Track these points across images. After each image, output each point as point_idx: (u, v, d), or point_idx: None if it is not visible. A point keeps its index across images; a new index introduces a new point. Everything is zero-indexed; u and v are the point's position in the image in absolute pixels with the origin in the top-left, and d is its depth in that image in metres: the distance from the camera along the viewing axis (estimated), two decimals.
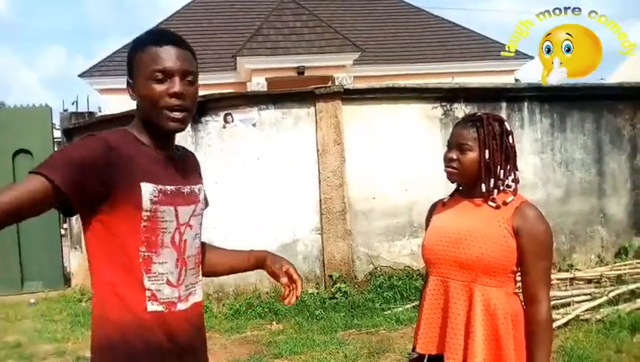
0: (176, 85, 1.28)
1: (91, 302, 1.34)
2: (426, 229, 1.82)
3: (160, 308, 1.29)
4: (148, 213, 1.28)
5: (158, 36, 1.33)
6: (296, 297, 1.50)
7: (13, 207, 1.13)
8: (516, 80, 11.72)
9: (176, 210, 1.33)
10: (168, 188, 1.32)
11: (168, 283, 1.32)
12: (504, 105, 5.79)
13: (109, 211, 1.25)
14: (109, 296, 1.27)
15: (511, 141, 1.67)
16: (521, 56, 12.03)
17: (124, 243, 1.27)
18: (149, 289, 1.28)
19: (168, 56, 1.29)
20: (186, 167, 1.43)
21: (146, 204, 1.27)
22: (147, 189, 1.28)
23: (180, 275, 1.34)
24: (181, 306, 1.34)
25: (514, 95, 5.91)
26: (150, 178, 1.29)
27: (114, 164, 1.23)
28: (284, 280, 1.49)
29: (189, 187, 1.39)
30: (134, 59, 1.32)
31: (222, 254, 1.58)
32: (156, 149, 1.35)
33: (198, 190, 1.43)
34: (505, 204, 1.62)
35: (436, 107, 5.65)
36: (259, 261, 1.58)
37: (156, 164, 1.33)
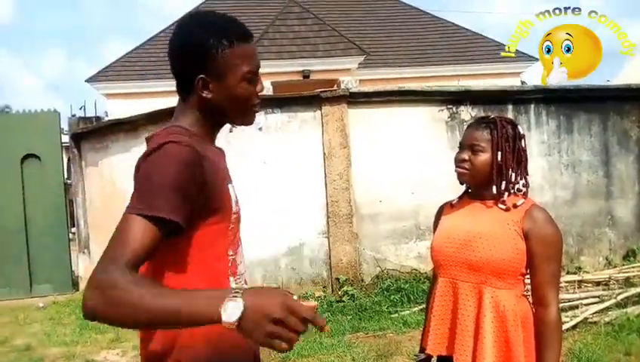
0: (261, 84, 1.25)
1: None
2: (434, 231, 1.83)
3: None
4: (235, 215, 1.21)
5: (242, 30, 1.23)
6: None
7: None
8: (522, 82, 11.70)
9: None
10: (233, 183, 1.25)
11: (245, 281, 1.26)
12: (510, 107, 5.78)
13: (201, 225, 1.13)
14: None
15: (523, 145, 1.68)
16: (526, 58, 12.02)
17: (213, 253, 1.15)
18: None
19: (255, 54, 1.23)
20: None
21: (234, 206, 1.20)
22: (232, 190, 1.21)
23: (245, 270, 1.29)
24: None
25: (520, 97, 5.90)
26: (229, 177, 1.22)
27: (207, 173, 1.12)
28: None
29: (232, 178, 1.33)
30: (219, 54, 1.16)
31: None
32: (213, 145, 1.27)
33: None
34: (515, 206, 1.63)
35: (442, 110, 5.65)
36: None
37: (223, 162, 1.26)
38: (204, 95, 1.18)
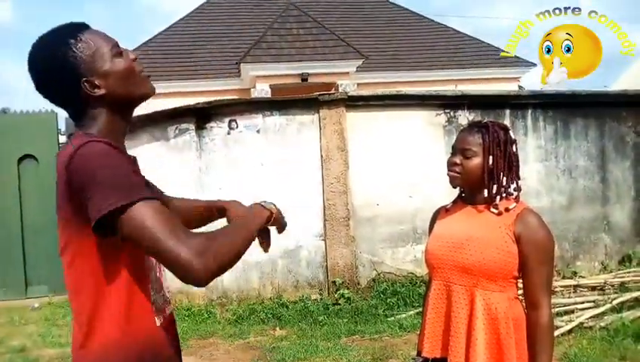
0: (132, 53, 1.24)
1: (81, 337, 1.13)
2: (429, 235, 1.85)
3: (160, 319, 1.21)
4: None
5: (75, 23, 1.22)
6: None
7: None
8: (520, 87, 11.73)
9: None
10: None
11: (157, 290, 1.23)
12: (507, 112, 5.80)
13: None
14: (118, 323, 1.12)
15: (514, 149, 1.70)
16: (524, 63, 12.07)
17: (137, 257, 1.15)
18: (153, 303, 1.18)
19: (104, 33, 1.23)
20: None
21: None
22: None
23: (160, 277, 1.26)
24: (167, 311, 1.27)
25: (517, 102, 5.92)
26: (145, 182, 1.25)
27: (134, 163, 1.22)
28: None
29: None
30: (77, 52, 1.15)
31: (184, 201, 1.57)
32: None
33: None
34: (507, 210, 1.65)
35: (440, 114, 5.67)
36: (221, 212, 1.53)
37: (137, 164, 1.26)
38: (96, 94, 1.17)
